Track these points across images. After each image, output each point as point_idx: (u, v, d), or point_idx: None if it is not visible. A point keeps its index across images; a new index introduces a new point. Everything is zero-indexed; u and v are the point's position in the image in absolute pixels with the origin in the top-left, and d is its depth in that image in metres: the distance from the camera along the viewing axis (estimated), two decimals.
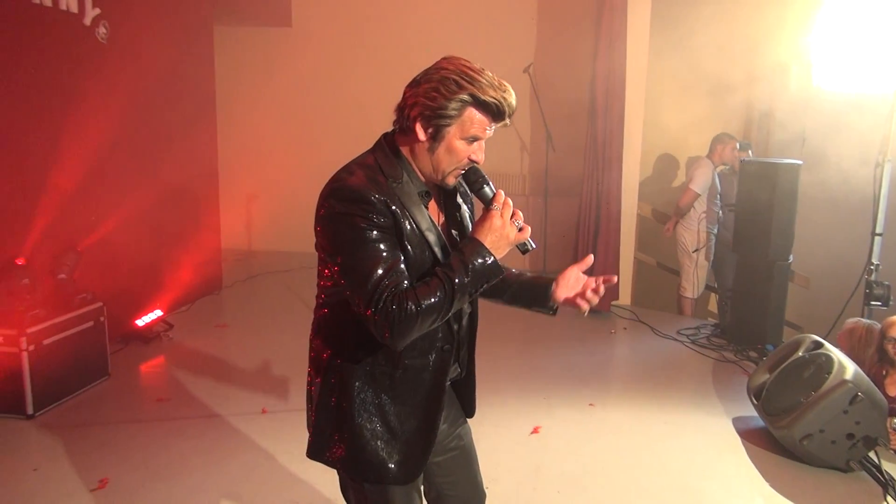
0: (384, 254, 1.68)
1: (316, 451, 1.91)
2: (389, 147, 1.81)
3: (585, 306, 1.94)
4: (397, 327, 1.64)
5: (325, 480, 3.33)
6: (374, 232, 1.68)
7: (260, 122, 8.01)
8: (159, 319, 5.46)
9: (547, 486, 3.50)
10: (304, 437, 1.92)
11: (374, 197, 1.69)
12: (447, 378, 1.91)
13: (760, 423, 4.11)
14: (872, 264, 4.81)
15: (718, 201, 6.20)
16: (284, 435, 3.85)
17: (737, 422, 4.27)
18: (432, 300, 1.66)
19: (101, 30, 4.86)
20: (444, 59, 1.76)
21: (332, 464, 1.89)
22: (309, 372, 1.94)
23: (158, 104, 5.61)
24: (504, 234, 1.74)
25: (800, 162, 5.39)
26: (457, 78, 1.69)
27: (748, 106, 6.59)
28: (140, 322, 5.28)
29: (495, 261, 1.72)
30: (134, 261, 5.42)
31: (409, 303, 1.64)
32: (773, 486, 3.56)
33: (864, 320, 4.43)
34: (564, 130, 7.16)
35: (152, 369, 4.95)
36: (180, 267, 6.05)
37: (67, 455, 3.64)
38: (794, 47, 5.72)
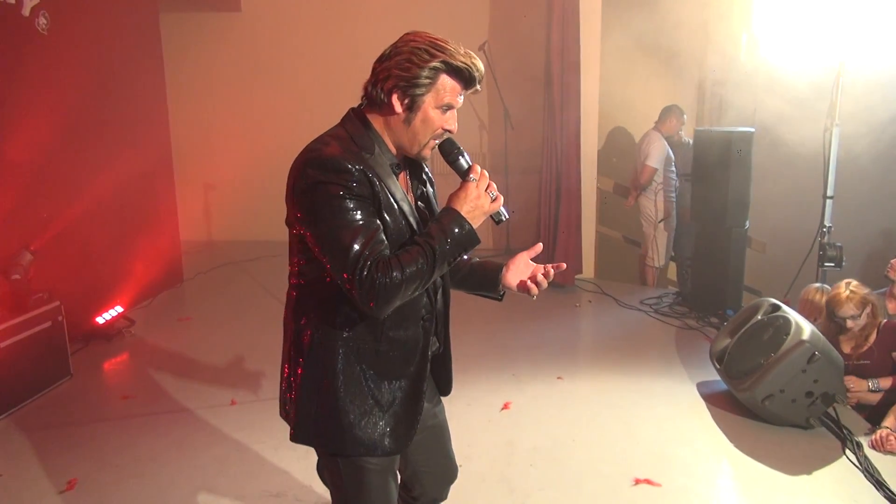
0: (364, 223, 1.68)
1: (302, 435, 1.89)
2: (359, 120, 1.81)
3: (535, 290, 1.99)
4: (382, 295, 1.65)
5: (300, 469, 3.31)
6: (354, 201, 1.68)
7: (213, 110, 7.84)
8: (120, 316, 5.34)
9: (520, 460, 3.55)
10: (275, 426, 1.91)
11: (354, 166, 1.69)
12: (430, 349, 1.94)
13: (724, 386, 4.22)
14: (825, 227, 4.94)
15: (673, 168, 6.30)
16: (255, 425, 3.82)
17: (701, 386, 4.38)
18: (415, 267, 1.67)
19: (42, 20, 4.68)
20: (407, 33, 1.77)
21: (318, 445, 1.89)
22: (288, 355, 1.92)
23: (106, 95, 5.44)
24: (479, 203, 1.77)
25: (752, 129, 5.49)
26: (427, 47, 1.72)
27: (701, 75, 6.66)
28: (100, 319, 5.16)
29: (472, 229, 1.75)
30: (90, 257, 5.29)
31: (393, 270, 1.65)
32: (738, 447, 3.66)
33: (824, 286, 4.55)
34: (522, 107, 7.17)
35: (116, 367, 4.86)
36: (139, 261, 5.92)
37: (32, 458, 3.56)
38: (745, 17, 5.79)
